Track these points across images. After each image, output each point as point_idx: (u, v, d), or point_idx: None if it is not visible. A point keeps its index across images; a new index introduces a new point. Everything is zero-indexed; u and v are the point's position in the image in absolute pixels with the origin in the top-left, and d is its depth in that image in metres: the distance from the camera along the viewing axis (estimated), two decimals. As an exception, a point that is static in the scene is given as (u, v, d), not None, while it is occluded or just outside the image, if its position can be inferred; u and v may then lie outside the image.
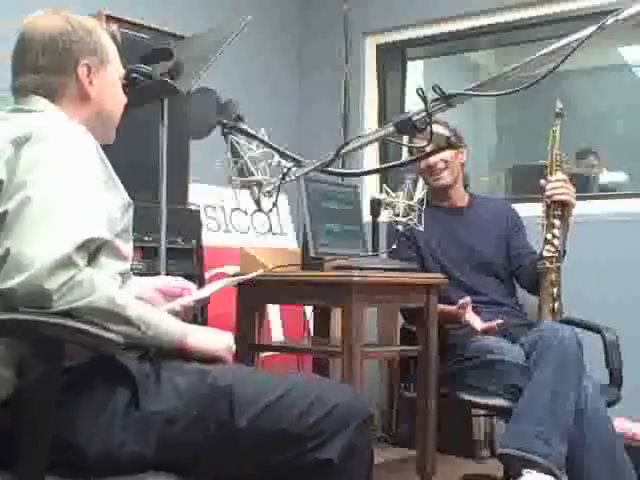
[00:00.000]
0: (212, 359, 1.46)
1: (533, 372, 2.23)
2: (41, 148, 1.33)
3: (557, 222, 2.51)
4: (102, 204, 1.38)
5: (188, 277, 2.22)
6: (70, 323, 1.20)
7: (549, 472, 2.10)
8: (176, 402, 1.35)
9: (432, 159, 2.62)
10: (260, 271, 2.08)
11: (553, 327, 2.32)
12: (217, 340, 1.51)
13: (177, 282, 1.73)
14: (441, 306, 2.53)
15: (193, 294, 1.71)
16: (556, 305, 2.49)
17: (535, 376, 2.21)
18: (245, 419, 1.34)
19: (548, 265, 2.50)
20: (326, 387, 1.47)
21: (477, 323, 2.47)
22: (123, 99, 1.65)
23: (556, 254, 2.50)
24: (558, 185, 2.49)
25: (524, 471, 2.11)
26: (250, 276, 1.97)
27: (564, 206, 2.50)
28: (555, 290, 2.50)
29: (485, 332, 2.45)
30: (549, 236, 2.50)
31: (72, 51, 1.50)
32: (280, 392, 1.38)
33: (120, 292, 1.31)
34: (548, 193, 2.50)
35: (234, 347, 1.54)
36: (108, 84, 1.57)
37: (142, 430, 1.32)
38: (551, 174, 2.52)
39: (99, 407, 1.31)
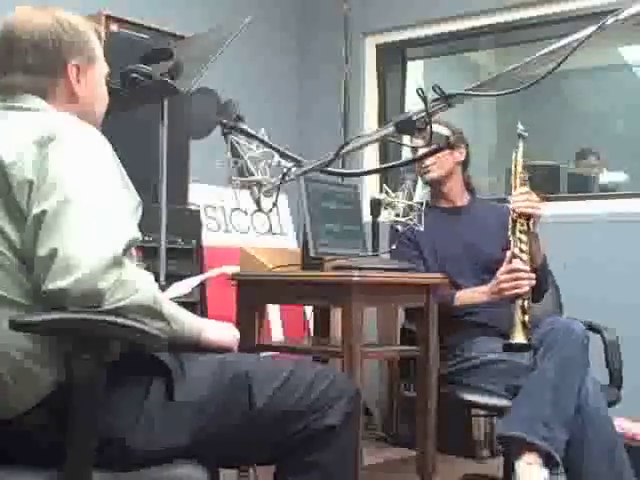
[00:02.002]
0: (222, 350, 1.55)
1: (541, 361, 2.23)
2: (67, 148, 1.33)
3: (523, 237, 2.46)
4: (128, 203, 1.40)
5: (188, 277, 2.22)
6: (128, 322, 1.23)
7: (548, 455, 2.11)
8: (204, 392, 1.41)
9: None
10: (224, 267, 2.09)
11: (564, 321, 2.32)
12: (227, 332, 1.60)
13: None
14: (465, 298, 2.53)
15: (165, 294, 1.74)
16: (526, 318, 2.43)
17: (542, 364, 2.22)
18: (262, 401, 1.44)
19: None
20: (320, 368, 1.64)
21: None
22: (107, 97, 1.65)
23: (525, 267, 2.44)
24: (521, 198, 2.47)
25: (523, 456, 2.12)
26: (212, 274, 1.99)
27: (529, 220, 2.47)
28: (525, 303, 2.43)
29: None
30: (516, 251, 2.45)
31: (62, 51, 1.49)
32: (286, 373, 1.49)
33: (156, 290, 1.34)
34: (511, 206, 2.48)
35: (239, 337, 1.64)
36: (95, 84, 1.57)
37: (178, 421, 1.38)
38: (515, 189, 2.51)
39: (139, 401, 1.36)
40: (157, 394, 1.38)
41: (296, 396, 1.47)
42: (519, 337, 2.41)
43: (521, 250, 2.46)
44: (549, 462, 2.12)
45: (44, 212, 1.25)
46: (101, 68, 1.60)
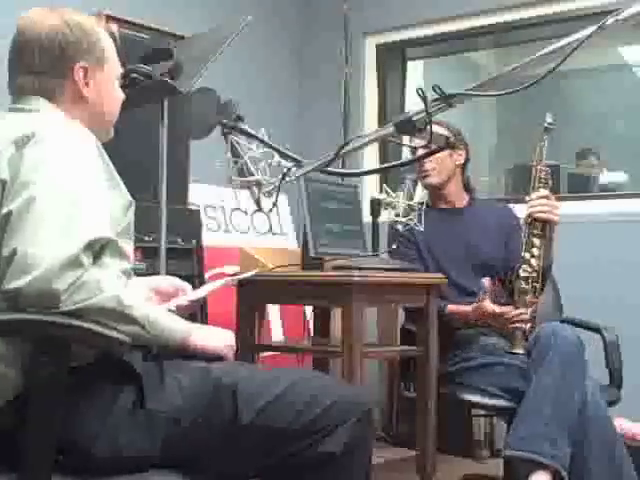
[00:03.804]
0: (214, 357, 1.47)
1: (535, 371, 2.22)
2: (44, 148, 1.32)
3: (537, 241, 2.42)
4: (105, 203, 1.37)
5: (188, 277, 2.22)
6: (78, 323, 1.20)
7: (556, 473, 2.10)
8: (181, 401, 1.36)
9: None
10: (255, 270, 2.07)
11: (553, 326, 2.31)
12: (219, 338, 1.52)
13: (172, 282, 1.74)
14: (453, 308, 2.53)
15: (188, 294, 1.71)
16: (527, 326, 2.43)
17: (539, 376, 2.21)
18: (248, 416, 1.35)
19: (524, 285, 2.42)
20: (326, 383, 1.50)
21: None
22: (120, 97, 1.63)
23: (533, 274, 2.42)
24: (539, 202, 2.42)
25: (532, 476, 2.11)
26: (247, 275, 1.97)
27: (545, 224, 2.43)
28: (530, 311, 2.44)
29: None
30: (527, 255, 2.42)
31: (68, 53, 1.49)
32: (281, 389, 1.39)
33: (126, 292, 1.31)
34: (528, 211, 2.43)
35: (235, 344, 1.55)
36: (105, 85, 1.56)
37: (148, 429, 1.32)
38: (534, 190, 2.44)
39: (106, 407, 1.32)
40: (126, 400, 1.33)
41: (291, 414, 1.37)
42: (519, 348, 2.41)
43: (532, 255, 2.43)
44: (556, 477, 2.11)
45: (10, 212, 1.25)
46: (112, 70, 1.58)
